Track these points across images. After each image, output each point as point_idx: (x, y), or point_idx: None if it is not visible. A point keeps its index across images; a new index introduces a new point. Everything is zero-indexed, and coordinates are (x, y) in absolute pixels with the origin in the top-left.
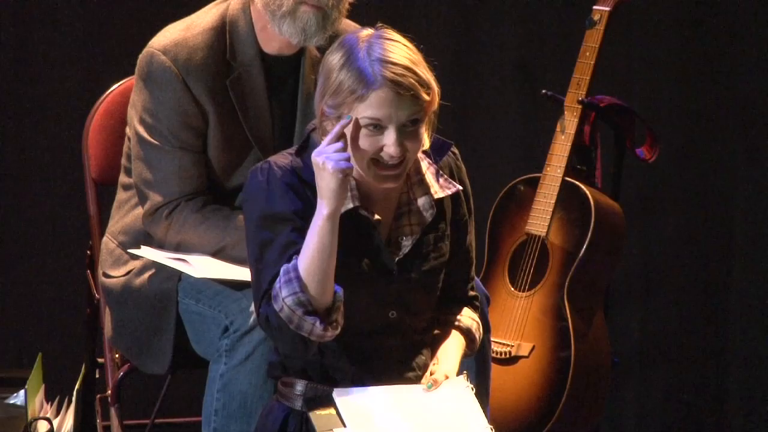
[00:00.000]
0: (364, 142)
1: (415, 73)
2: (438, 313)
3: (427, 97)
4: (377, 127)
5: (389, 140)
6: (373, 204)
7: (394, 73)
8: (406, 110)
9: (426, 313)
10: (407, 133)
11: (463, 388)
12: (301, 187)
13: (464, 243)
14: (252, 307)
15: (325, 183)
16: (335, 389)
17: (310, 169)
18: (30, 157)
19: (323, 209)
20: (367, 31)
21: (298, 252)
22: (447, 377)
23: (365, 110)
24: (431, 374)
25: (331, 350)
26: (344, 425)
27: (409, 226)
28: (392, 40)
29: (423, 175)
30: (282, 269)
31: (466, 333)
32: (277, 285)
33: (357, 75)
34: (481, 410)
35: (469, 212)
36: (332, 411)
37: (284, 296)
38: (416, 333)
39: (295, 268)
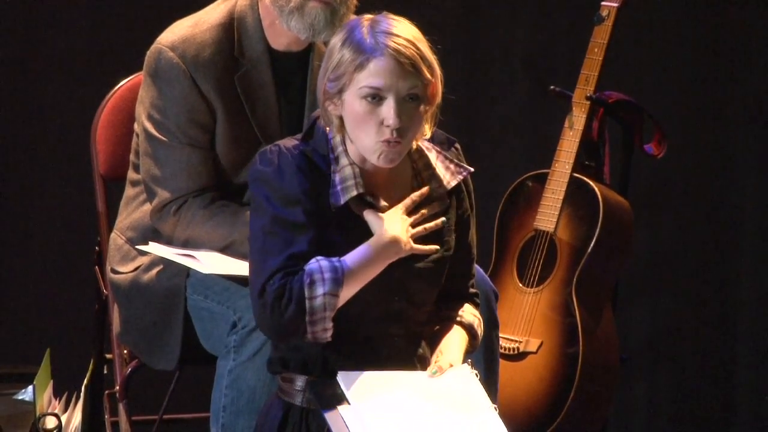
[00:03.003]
0: (364, 114)
1: (417, 47)
2: (439, 309)
3: (428, 75)
4: (377, 97)
5: (388, 111)
6: (378, 193)
7: (396, 42)
8: (407, 81)
9: (428, 304)
10: (407, 108)
11: (468, 374)
12: (310, 170)
13: (466, 239)
14: None
15: (392, 252)
16: (339, 372)
17: (317, 152)
18: (38, 154)
19: (394, 255)
20: (369, 15)
21: (307, 232)
22: (451, 366)
23: (365, 79)
24: (435, 362)
25: (333, 341)
26: (348, 403)
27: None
28: (395, 19)
29: (433, 169)
30: (328, 264)
31: (468, 329)
32: (321, 273)
33: (357, 45)
34: (485, 393)
35: (471, 208)
36: (336, 391)
37: (328, 291)
38: (417, 324)
39: (343, 272)
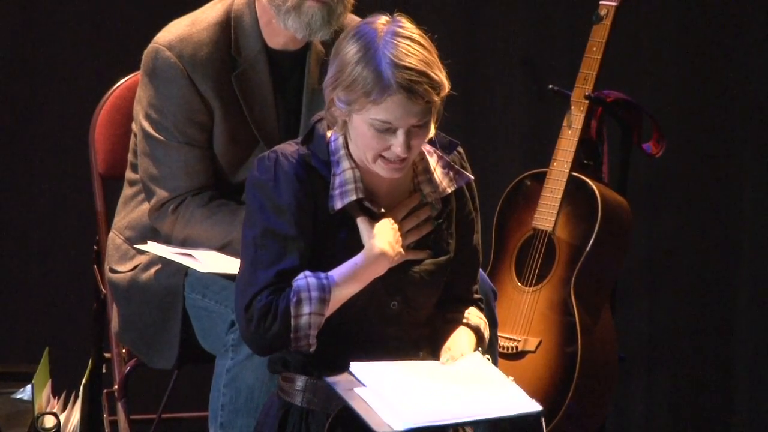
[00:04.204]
0: (372, 139)
1: (428, 77)
2: (444, 312)
3: (437, 99)
4: (386, 127)
5: (397, 142)
6: (377, 198)
7: (408, 79)
8: (417, 116)
9: (426, 308)
10: (415, 132)
11: (480, 358)
12: (308, 176)
13: (470, 242)
14: None
15: (379, 268)
16: (352, 363)
17: (317, 156)
18: (37, 152)
19: (381, 269)
20: (383, 21)
21: (297, 245)
22: (463, 355)
23: (377, 113)
24: (446, 352)
25: (331, 342)
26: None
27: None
28: (408, 37)
29: (432, 174)
30: (315, 282)
31: (475, 330)
32: (308, 292)
33: (372, 77)
34: (499, 371)
35: (475, 211)
36: (349, 377)
37: (314, 311)
38: (416, 327)
39: (330, 290)
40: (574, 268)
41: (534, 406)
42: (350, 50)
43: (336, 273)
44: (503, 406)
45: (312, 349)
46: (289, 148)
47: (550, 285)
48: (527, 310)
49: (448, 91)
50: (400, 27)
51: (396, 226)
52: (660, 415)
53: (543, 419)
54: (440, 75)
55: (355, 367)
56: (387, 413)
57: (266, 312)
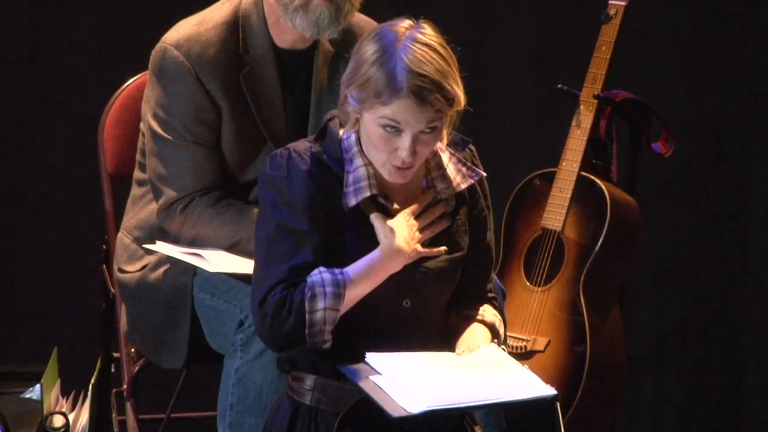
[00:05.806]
0: (379, 140)
1: (441, 88)
2: (458, 310)
3: (449, 110)
4: (395, 128)
5: (403, 145)
6: (391, 195)
7: (420, 86)
8: (425, 121)
9: (439, 306)
10: (423, 139)
11: (496, 349)
12: (321, 173)
13: (483, 239)
14: None
15: (395, 264)
16: (367, 353)
17: (330, 154)
18: (46, 152)
19: (398, 265)
20: (405, 26)
21: (311, 241)
22: (479, 347)
23: (386, 113)
24: (461, 344)
25: (343, 341)
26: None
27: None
28: (427, 44)
29: (444, 170)
30: (330, 278)
31: (490, 327)
32: (323, 287)
33: (385, 78)
34: (514, 360)
35: (488, 208)
36: (365, 367)
37: (328, 306)
38: (428, 325)
39: (345, 286)
40: (583, 267)
41: (549, 390)
42: (369, 50)
43: (351, 269)
44: (518, 390)
45: (327, 345)
46: (302, 145)
47: (559, 285)
48: (536, 310)
49: (464, 106)
50: (421, 33)
51: (412, 222)
52: (669, 413)
53: (558, 405)
54: (455, 87)
55: (371, 357)
56: (402, 398)
57: (281, 306)
